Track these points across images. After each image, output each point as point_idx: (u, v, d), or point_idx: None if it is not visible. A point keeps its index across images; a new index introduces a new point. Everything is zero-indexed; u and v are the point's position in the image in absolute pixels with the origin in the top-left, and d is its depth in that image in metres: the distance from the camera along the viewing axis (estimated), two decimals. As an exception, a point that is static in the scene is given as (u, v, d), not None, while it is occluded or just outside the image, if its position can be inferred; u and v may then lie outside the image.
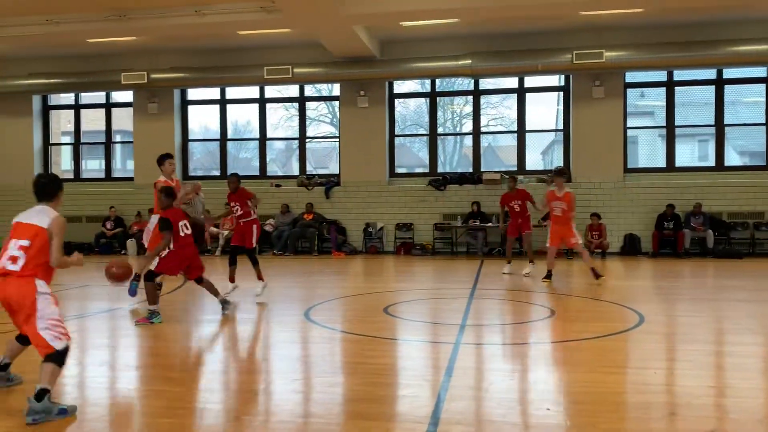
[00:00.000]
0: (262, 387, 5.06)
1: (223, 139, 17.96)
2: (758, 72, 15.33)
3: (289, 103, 18.42)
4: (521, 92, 16.47)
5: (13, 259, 4.18)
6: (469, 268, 12.89)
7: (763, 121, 15.38)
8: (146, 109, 17.43)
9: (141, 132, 17.61)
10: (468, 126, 17.46)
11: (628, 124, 16.06)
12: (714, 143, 15.67)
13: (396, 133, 17.28)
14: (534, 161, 17.69)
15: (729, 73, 15.38)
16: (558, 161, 16.70)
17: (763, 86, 15.40)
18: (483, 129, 17.27)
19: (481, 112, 17.01)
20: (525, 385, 5.02)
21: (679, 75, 15.66)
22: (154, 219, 8.11)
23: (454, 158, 20.00)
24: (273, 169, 19.01)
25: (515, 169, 16.54)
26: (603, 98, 15.42)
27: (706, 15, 14.04)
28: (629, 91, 16.07)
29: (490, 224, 15.39)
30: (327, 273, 12.60)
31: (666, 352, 6.22)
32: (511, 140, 17.05)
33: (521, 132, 16.49)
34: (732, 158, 16.20)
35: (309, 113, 18.62)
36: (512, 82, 16.49)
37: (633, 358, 5.93)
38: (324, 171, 19.07)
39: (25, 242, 4.21)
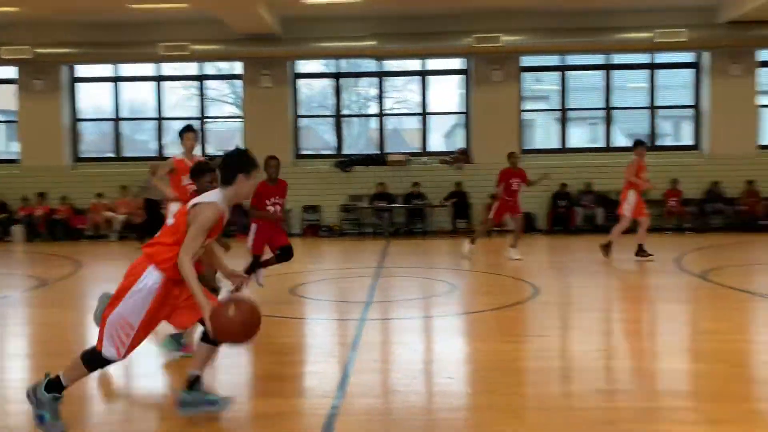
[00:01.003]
0: (168, 370, 4.92)
1: (117, 119, 17.11)
2: (643, 59, 16.33)
3: (189, 82, 17.76)
4: (424, 75, 16.73)
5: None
6: (375, 248, 13.04)
7: (647, 105, 16.46)
8: (32, 86, 16.26)
9: (26, 111, 16.42)
10: (373, 108, 17.55)
11: (526, 108, 16.69)
12: (603, 126, 16.63)
13: (302, 113, 17.10)
14: (438, 143, 18.05)
15: (616, 59, 16.31)
16: (461, 143, 17.12)
17: (647, 72, 16.44)
18: (388, 111, 17.41)
19: (386, 94, 17.14)
20: (429, 356, 5.18)
21: (571, 60, 16.44)
22: (174, 208, 6.89)
23: (360, 140, 20.07)
24: (172, 151, 18.30)
25: (419, 150, 16.84)
26: (501, 82, 15.92)
27: (596, 3, 14.75)
28: (527, 75, 16.69)
29: (395, 205, 15.61)
30: (232, 256, 12.32)
31: (560, 320, 6.59)
32: (416, 123, 17.31)
33: (425, 114, 16.79)
34: (619, 140, 17.23)
35: (210, 93, 18.05)
36: (416, 65, 16.72)
37: (530, 327, 6.24)
38: (227, 152, 18.58)
39: (172, 220, 3.58)
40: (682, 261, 9.99)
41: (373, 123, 17.53)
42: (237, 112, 17.90)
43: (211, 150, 17.66)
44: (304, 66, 17.00)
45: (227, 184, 3.53)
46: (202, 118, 17.10)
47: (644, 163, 10.14)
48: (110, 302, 3.47)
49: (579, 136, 17.27)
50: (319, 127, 19.27)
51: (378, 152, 16.77)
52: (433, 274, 9.45)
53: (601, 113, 16.60)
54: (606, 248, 10.28)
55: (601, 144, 16.59)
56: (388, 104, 17.57)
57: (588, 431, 3.52)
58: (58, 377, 3.46)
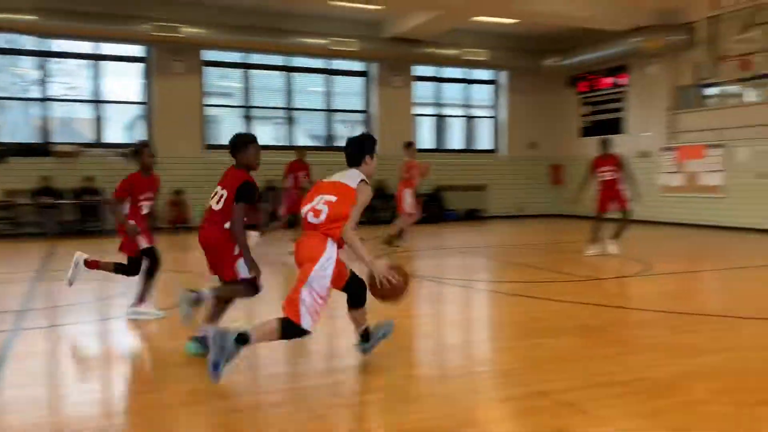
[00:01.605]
0: None
1: None
2: (320, 64, 17.39)
3: None
4: (99, 59, 15.33)
5: (316, 213, 3.92)
6: (38, 251, 11.48)
7: (324, 108, 17.61)
8: None
9: None
10: (36, 92, 15.43)
11: (211, 103, 16.48)
12: (287, 125, 17.29)
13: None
14: (116, 134, 16.68)
15: (296, 62, 17.07)
16: (143, 135, 16.12)
17: (324, 77, 17.55)
18: (54, 96, 15.47)
19: (53, 78, 15.24)
20: (98, 363, 4.72)
21: (255, 59, 16.68)
22: None
23: (22, 128, 17.49)
24: None
25: (93, 141, 15.37)
26: (183, 74, 15.47)
27: (277, 4, 15.22)
28: (211, 70, 16.47)
29: (63, 200, 14.00)
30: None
31: (242, 312, 6.61)
32: (90, 111, 15.74)
33: (99, 102, 15.39)
34: (301, 140, 18.09)
35: None
36: (89, 48, 15.21)
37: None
38: None
39: (331, 197, 3.92)
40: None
41: (37, 109, 15.46)
42: None
43: None
44: (-60, 35, 14.18)
45: (356, 166, 4.11)
46: None
47: (414, 163, 11.21)
48: (298, 282, 3.82)
49: (264, 134, 17.63)
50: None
51: (41, 141, 14.86)
52: (108, 276, 8.67)
53: (284, 113, 17.25)
54: (394, 238, 11.23)
55: (285, 143, 17.23)
56: (57, 89, 15.65)
57: (269, 412, 3.58)
58: (247, 334, 3.75)
